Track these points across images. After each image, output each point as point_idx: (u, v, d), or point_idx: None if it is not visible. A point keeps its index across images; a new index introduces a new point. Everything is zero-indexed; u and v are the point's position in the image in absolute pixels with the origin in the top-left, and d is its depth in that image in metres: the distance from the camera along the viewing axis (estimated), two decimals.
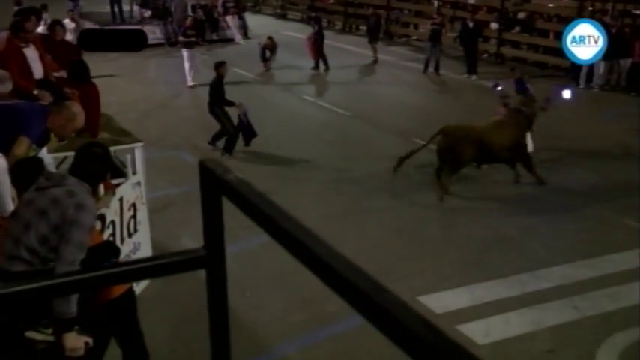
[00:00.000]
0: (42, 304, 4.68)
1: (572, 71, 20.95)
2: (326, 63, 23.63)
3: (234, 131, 14.72)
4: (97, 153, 5.31)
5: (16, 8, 24.08)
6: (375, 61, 24.98)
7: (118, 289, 5.36)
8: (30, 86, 8.95)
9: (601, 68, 20.49)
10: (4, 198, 5.99)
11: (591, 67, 20.46)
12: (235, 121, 14.77)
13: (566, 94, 15.10)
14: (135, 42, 9.89)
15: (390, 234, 10.77)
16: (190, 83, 20.65)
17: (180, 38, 22.70)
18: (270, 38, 24.08)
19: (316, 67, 23.70)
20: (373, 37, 25.26)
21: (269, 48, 23.77)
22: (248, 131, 14.83)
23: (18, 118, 6.16)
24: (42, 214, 4.84)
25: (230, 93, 16.53)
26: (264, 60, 23.67)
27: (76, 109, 6.48)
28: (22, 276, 4.71)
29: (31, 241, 4.80)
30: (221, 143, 14.86)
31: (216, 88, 14.94)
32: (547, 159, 14.45)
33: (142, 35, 9.97)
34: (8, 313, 4.70)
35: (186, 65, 20.89)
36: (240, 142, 14.64)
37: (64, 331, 4.81)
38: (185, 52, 21.20)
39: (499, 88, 14.59)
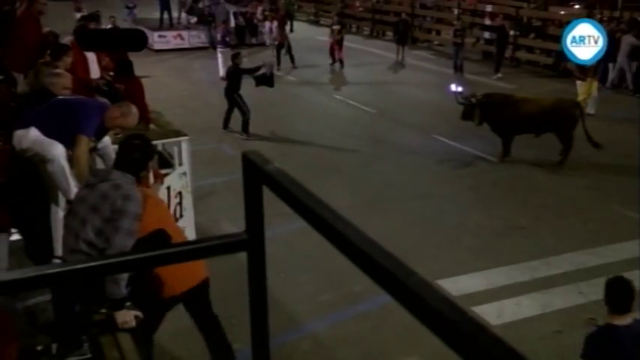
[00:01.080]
0: (99, 284, 4.76)
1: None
2: (341, 62, 23.99)
3: (248, 113, 15.57)
4: (136, 144, 5.32)
5: (78, 14, 24.40)
6: (400, 63, 25.07)
7: (197, 279, 5.46)
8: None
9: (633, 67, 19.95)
10: (66, 182, 6.03)
11: (604, 69, 20.19)
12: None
13: (453, 87, 15.07)
14: (135, 42, 9.64)
15: (411, 222, 10.76)
16: (222, 75, 21.54)
17: (219, 37, 23.38)
18: (283, 36, 24.39)
19: (333, 63, 24.13)
20: (401, 39, 25.47)
21: (281, 42, 23.83)
22: (269, 79, 16.08)
23: (73, 113, 6.15)
24: (94, 209, 4.88)
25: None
26: (277, 59, 23.70)
27: (134, 110, 6.44)
28: None
29: (88, 234, 4.84)
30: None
31: (234, 75, 15.66)
32: (556, 154, 14.31)
33: (141, 35, 9.73)
34: (69, 289, 4.80)
35: (220, 60, 22.09)
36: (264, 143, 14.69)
37: (115, 310, 4.88)
38: (219, 50, 22.42)
39: (459, 90, 14.85)
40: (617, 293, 5.37)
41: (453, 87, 15.15)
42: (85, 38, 10.10)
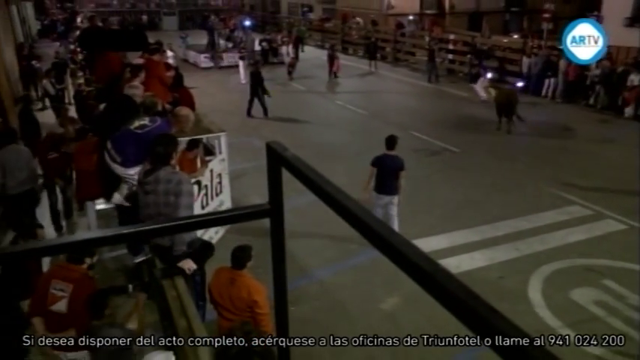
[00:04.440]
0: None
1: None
2: (336, 75, 24.26)
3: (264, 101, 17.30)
4: (160, 141, 5.17)
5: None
6: (372, 72, 25.53)
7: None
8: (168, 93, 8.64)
9: (560, 83, 19.52)
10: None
11: (537, 83, 19.96)
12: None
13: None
14: (136, 41, 8.66)
15: None
16: (243, 82, 22.16)
17: (237, 54, 25.11)
18: (293, 58, 25.51)
19: (330, 76, 24.31)
20: (371, 55, 26.28)
21: (292, 65, 24.16)
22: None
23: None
24: (167, 192, 4.91)
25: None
26: (289, 73, 24.30)
27: (185, 111, 6.26)
28: None
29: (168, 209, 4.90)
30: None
31: (257, 76, 17.24)
32: (499, 146, 14.29)
33: (141, 35, 8.84)
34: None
35: (241, 71, 23.08)
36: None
37: (182, 259, 4.94)
38: (240, 62, 23.53)
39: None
40: (390, 141, 8.90)
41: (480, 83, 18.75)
42: (87, 38, 9.24)
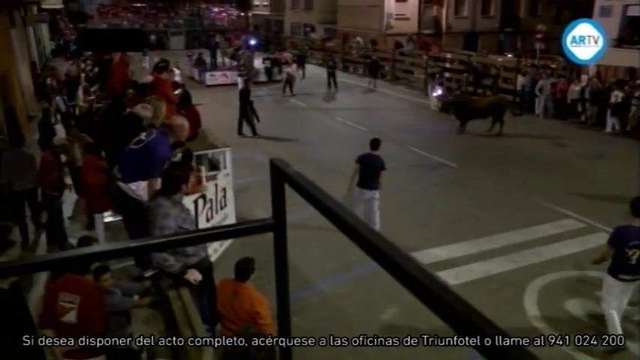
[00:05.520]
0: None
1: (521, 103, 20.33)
2: (329, 86, 25.14)
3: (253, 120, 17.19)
4: (170, 173, 5.12)
5: (146, 57, 24.34)
6: (372, 90, 25.65)
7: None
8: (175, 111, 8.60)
9: (542, 101, 19.55)
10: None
11: (529, 101, 20.01)
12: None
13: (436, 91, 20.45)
14: (134, 42, 8.41)
15: (393, 210, 10.72)
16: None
17: (237, 72, 25.67)
18: (290, 75, 25.06)
19: (329, 89, 24.94)
20: (372, 74, 26.53)
21: (290, 80, 24.15)
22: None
23: (150, 159, 5.56)
24: (153, 223, 4.87)
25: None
26: (290, 89, 24.21)
27: (178, 121, 6.09)
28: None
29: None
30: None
31: (246, 94, 17.29)
32: (494, 162, 14.30)
33: (141, 35, 8.63)
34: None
35: (239, 87, 22.93)
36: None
37: (184, 274, 4.92)
38: (239, 79, 23.59)
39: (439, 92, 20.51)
40: (374, 143, 9.59)
41: (436, 91, 20.57)
42: (85, 38, 9.10)
